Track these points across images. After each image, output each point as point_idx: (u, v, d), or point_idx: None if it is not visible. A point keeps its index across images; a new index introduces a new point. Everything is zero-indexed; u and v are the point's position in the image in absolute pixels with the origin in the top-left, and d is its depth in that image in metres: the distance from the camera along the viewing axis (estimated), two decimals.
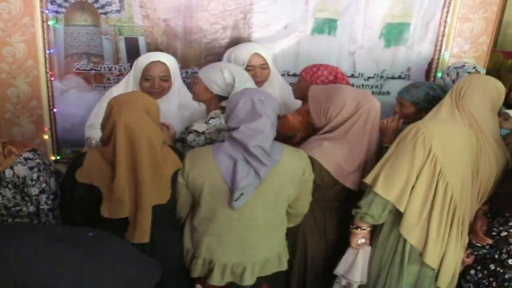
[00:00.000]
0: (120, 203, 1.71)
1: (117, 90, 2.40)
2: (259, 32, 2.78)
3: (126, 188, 1.70)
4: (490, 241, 1.96)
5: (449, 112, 1.99)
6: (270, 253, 1.91)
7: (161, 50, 2.73)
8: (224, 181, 1.76)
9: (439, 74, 2.93)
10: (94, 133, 2.25)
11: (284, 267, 1.97)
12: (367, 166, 2.04)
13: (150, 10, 2.66)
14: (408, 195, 1.85)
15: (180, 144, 2.15)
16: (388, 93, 2.99)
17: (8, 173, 1.88)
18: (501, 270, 1.97)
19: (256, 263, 1.87)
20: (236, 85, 2.10)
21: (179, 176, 1.83)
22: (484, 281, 2.01)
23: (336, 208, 2.12)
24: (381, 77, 3.00)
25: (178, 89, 2.50)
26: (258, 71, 2.55)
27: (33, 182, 1.92)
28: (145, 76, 2.37)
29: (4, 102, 2.65)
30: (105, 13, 2.63)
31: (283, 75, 2.88)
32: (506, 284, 1.97)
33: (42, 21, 2.55)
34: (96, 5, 2.61)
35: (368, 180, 1.90)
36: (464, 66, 2.63)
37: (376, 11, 2.86)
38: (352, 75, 2.96)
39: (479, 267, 2.04)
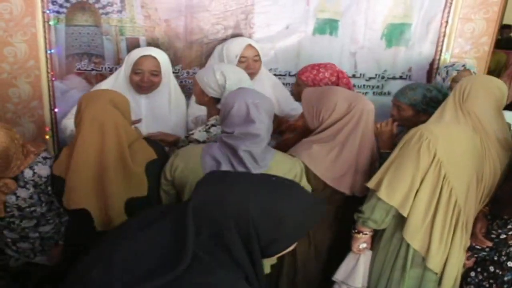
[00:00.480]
0: (73, 191, 1.73)
1: (106, 84, 2.41)
2: (260, 32, 2.78)
3: (82, 176, 1.72)
4: (489, 244, 1.96)
5: (453, 115, 1.97)
6: None
7: (162, 51, 2.73)
8: None
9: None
10: (71, 122, 2.21)
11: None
12: (358, 169, 2.01)
13: (152, 10, 2.66)
14: (412, 200, 1.84)
15: None
16: (389, 93, 2.98)
17: (27, 173, 1.86)
18: (501, 272, 1.98)
19: None
20: (227, 86, 2.07)
21: (166, 173, 1.83)
22: (484, 283, 2.02)
23: (328, 211, 2.09)
24: (382, 77, 3.00)
25: (169, 86, 2.49)
26: (251, 63, 2.56)
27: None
28: (136, 69, 2.37)
29: (5, 102, 2.64)
30: (106, 13, 2.63)
31: (284, 75, 2.88)
32: (505, 286, 1.97)
33: (44, 21, 2.54)
34: (97, 5, 2.61)
35: (371, 184, 1.89)
36: (454, 64, 2.67)
37: (377, 12, 2.86)
38: (354, 76, 2.96)
39: (479, 269, 2.05)
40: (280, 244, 1.15)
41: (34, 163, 1.87)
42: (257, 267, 1.11)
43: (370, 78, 3.00)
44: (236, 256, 1.09)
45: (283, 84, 2.85)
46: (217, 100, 2.12)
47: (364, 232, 1.95)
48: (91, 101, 1.80)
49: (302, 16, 2.80)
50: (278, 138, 2.40)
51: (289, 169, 1.84)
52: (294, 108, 2.68)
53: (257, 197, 1.11)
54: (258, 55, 2.60)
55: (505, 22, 4.18)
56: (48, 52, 2.60)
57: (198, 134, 2.10)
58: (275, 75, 2.85)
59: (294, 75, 2.86)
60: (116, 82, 2.42)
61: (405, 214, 1.85)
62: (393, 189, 1.83)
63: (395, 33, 2.91)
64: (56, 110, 2.71)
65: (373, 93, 3.01)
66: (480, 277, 2.04)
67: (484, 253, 2.00)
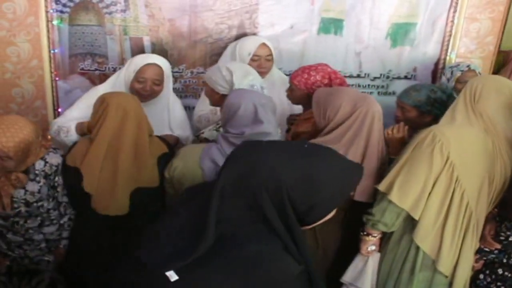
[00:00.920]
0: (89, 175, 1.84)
1: (104, 88, 2.34)
2: (265, 31, 2.77)
3: (98, 159, 1.84)
4: (498, 246, 1.95)
5: (464, 116, 1.93)
6: None
7: (166, 50, 2.73)
8: None
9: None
10: (62, 120, 2.26)
11: None
12: (365, 172, 1.97)
13: (156, 9, 2.64)
14: (424, 204, 1.81)
15: None
16: (394, 93, 2.96)
17: (39, 164, 1.89)
18: (509, 275, 1.96)
19: None
20: (235, 80, 2.07)
21: (165, 172, 1.85)
22: (492, 285, 2.01)
23: (336, 214, 2.07)
24: (387, 77, 2.98)
25: (168, 93, 2.43)
26: (263, 62, 2.56)
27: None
28: (138, 77, 2.27)
29: (8, 102, 2.64)
30: (110, 13, 2.62)
31: (288, 75, 2.86)
32: None
33: (47, 21, 2.54)
34: (101, 5, 2.60)
35: (382, 187, 1.86)
36: (458, 65, 2.66)
37: (382, 11, 2.84)
38: (358, 75, 2.95)
39: (487, 272, 2.03)
40: (318, 211, 1.12)
41: (46, 154, 1.91)
42: (295, 236, 1.08)
43: (375, 77, 2.98)
44: (272, 225, 1.07)
45: None
46: None
47: (373, 235, 1.93)
48: (114, 94, 1.92)
49: (306, 16, 2.79)
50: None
51: None
52: None
53: (290, 163, 1.08)
54: (271, 54, 2.60)
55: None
56: (52, 51, 2.60)
57: (208, 133, 2.13)
58: None
59: None
60: (114, 87, 2.33)
61: (416, 218, 1.83)
62: (405, 192, 1.80)
63: (400, 33, 2.89)
64: (59, 109, 2.70)
65: (378, 93, 2.99)
66: (489, 279, 2.02)
67: (493, 256, 1.99)
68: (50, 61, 2.60)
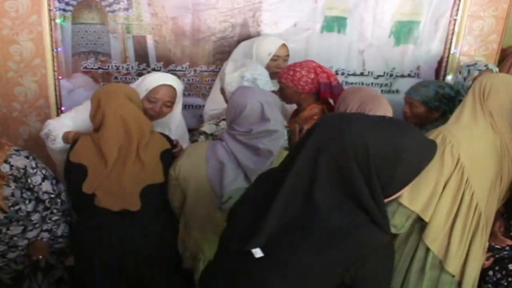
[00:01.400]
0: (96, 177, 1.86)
1: None
2: (268, 30, 2.76)
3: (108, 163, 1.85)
4: (510, 242, 1.93)
5: (472, 114, 1.90)
6: None
7: (169, 48, 2.72)
8: (210, 183, 1.75)
9: (449, 77, 2.92)
10: (56, 122, 2.26)
11: None
12: None
13: (159, 8, 2.64)
14: (434, 205, 1.79)
15: None
16: (397, 91, 2.96)
17: (4, 167, 1.84)
18: None
19: None
20: (226, 72, 2.12)
21: (170, 169, 1.84)
22: (503, 281, 2.00)
23: None
24: (391, 75, 2.97)
25: (175, 116, 2.31)
26: (281, 62, 2.57)
27: (34, 170, 1.92)
28: (150, 97, 2.12)
29: (11, 101, 2.62)
30: (113, 11, 2.61)
31: None
32: None
33: (50, 19, 2.52)
34: (103, 3, 2.59)
35: None
36: (476, 64, 2.62)
37: (386, 9, 2.83)
38: (362, 74, 2.94)
39: (497, 268, 2.02)
40: (397, 182, 1.13)
41: (9, 156, 1.87)
42: (381, 208, 1.11)
43: (378, 76, 2.97)
44: (359, 198, 1.09)
45: None
46: None
47: None
48: (110, 97, 1.91)
49: (310, 14, 2.78)
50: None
51: None
52: None
53: (375, 132, 1.10)
54: (288, 55, 2.61)
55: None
56: (55, 50, 2.58)
57: (207, 126, 2.13)
58: None
59: None
60: None
61: (427, 220, 1.81)
62: (415, 195, 1.77)
63: (403, 31, 2.88)
64: (62, 108, 2.68)
65: (381, 91, 2.98)
66: (499, 275, 2.01)
67: (505, 252, 1.97)
68: (53, 60, 2.59)
